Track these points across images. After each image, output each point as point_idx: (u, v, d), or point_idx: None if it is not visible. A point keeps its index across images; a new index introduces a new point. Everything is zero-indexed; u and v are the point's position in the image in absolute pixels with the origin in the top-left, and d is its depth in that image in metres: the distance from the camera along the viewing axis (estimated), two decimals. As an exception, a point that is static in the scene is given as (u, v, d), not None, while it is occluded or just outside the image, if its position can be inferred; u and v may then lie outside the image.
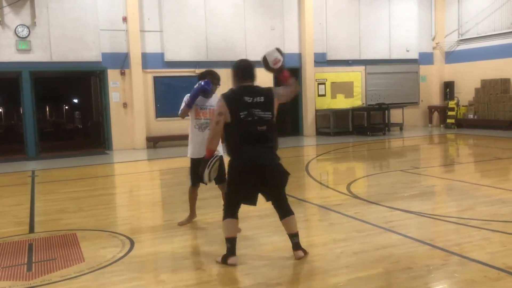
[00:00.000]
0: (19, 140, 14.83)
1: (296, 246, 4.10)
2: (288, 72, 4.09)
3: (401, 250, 4.27)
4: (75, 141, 18.43)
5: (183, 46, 14.61)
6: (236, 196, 4.06)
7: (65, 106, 36.31)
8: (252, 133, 3.89)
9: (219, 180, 4.78)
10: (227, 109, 3.91)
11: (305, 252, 4.11)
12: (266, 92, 3.99)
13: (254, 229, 5.10)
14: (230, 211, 4.08)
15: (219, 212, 6.00)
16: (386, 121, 16.26)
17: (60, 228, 5.49)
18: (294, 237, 4.10)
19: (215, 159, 4.13)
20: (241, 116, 3.86)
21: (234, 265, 3.98)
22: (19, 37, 12.78)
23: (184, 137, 17.36)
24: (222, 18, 15.00)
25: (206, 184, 4.33)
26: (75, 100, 31.28)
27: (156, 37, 14.38)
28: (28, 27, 12.84)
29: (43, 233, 5.34)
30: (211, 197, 7.20)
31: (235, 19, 15.18)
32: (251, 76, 4.03)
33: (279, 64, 3.99)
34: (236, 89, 4.05)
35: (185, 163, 11.28)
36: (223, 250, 4.44)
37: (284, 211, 4.10)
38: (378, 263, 3.96)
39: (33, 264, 4.24)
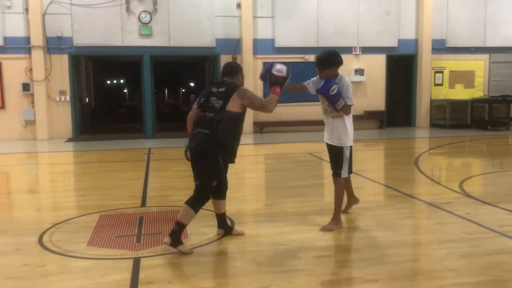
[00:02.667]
0: (140, 119, 16.00)
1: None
2: (278, 92, 4.21)
3: (518, 258, 3.87)
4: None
5: (294, 32, 14.59)
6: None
7: (182, 89, 38.36)
8: (200, 118, 4.22)
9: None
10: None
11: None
12: (230, 86, 4.24)
13: (357, 222, 4.97)
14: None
15: (319, 201, 5.97)
16: (511, 115, 14.84)
17: (169, 204, 5.84)
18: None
19: None
20: (201, 101, 4.30)
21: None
22: (142, 23, 13.71)
23: (290, 123, 17.13)
24: (334, 3, 14.71)
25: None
26: (191, 84, 32.86)
27: (267, 23, 14.55)
28: (150, 14, 13.72)
29: (154, 207, 5.72)
30: (312, 185, 7.19)
31: (348, 3, 14.79)
32: (225, 73, 4.43)
33: (281, 75, 4.24)
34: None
35: (291, 149, 11.43)
36: (322, 238, 4.40)
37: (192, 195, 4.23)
38: (489, 270, 3.63)
39: (142, 236, 4.56)
